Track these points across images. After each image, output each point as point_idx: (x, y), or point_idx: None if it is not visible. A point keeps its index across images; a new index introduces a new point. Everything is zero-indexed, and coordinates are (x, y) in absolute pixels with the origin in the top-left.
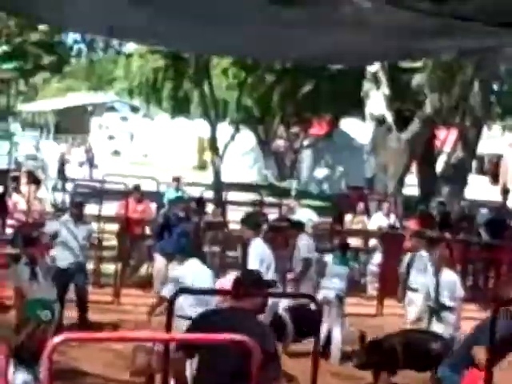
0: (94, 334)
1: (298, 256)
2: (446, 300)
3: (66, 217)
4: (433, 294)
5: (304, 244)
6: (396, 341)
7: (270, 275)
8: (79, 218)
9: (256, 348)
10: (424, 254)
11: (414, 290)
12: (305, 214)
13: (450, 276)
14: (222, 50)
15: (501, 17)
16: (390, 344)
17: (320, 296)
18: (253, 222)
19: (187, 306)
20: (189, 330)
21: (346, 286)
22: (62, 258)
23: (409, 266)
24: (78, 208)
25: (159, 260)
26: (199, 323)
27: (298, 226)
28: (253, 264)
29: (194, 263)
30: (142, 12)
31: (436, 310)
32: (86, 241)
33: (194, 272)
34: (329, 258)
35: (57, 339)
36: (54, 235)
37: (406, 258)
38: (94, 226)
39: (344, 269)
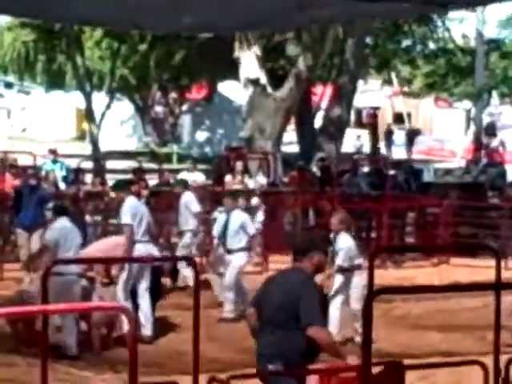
0: None
1: (183, 212)
2: (341, 263)
3: None
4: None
5: (191, 200)
6: None
7: (143, 228)
8: None
9: (129, 312)
10: (239, 213)
11: (231, 252)
12: (192, 176)
13: (346, 241)
14: (84, 20)
15: None
16: None
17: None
18: (123, 184)
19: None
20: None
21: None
22: None
23: (225, 227)
24: None
25: (21, 234)
26: (265, 284)
27: (182, 184)
28: (126, 218)
29: (63, 222)
30: None
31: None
32: None
33: (65, 231)
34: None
35: None
36: None
37: (221, 218)
38: None
39: None
